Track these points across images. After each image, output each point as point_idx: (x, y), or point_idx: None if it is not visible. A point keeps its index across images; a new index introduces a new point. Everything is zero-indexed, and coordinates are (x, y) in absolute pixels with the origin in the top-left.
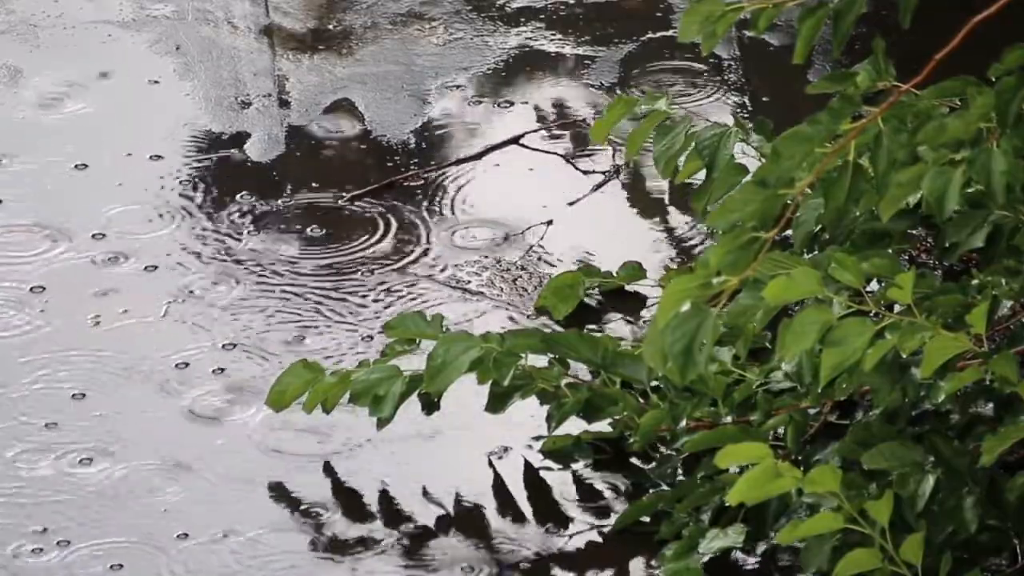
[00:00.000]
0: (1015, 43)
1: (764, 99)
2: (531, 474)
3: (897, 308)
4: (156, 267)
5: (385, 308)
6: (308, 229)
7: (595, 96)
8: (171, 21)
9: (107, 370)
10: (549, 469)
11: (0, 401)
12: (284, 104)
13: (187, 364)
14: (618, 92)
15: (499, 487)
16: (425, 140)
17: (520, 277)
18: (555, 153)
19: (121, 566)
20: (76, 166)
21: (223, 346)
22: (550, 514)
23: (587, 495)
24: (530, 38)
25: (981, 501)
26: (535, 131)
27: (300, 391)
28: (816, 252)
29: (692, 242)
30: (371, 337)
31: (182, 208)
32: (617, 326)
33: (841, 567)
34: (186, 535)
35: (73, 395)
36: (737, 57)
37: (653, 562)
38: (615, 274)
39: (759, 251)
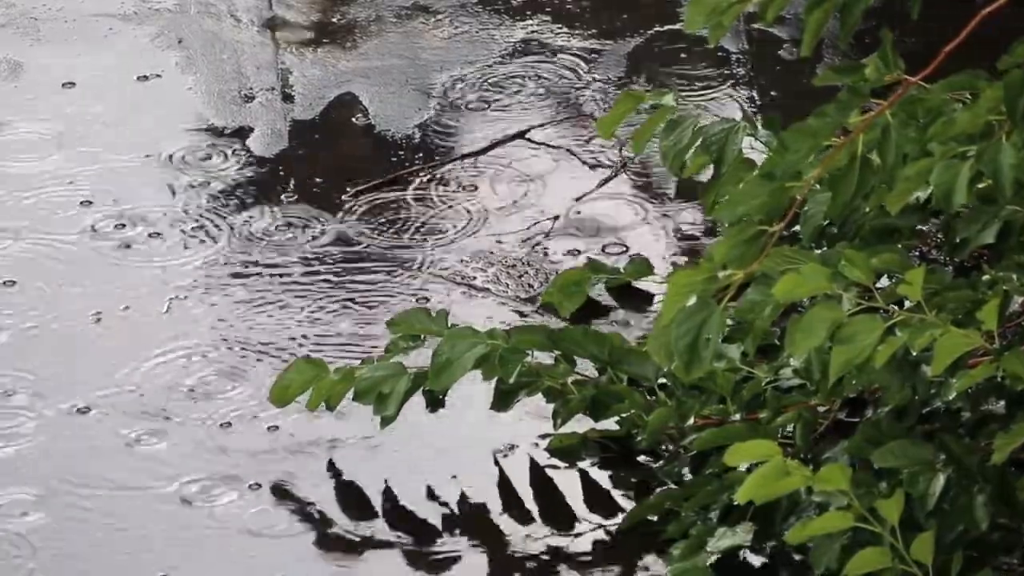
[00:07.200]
0: None
1: (772, 93)
2: (537, 473)
3: (907, 305)
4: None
5: (389, 304)
6: (311, 225)
7: (602, 90)
8: (173, 14)
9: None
10: (555, 468)
11: None
12: (287, 98)
13: (190, 359)
14: (625, 87)
15: (505, 486)
16: (430, 134)
17: (526, 273)
18: (561, 148)
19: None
20: (76, 163)
21: (220, 341)
22: (557, 513)
23: (594, 494)
24: (536, 31)
25: (992, 499)
26: (541, 125)
27: (303, 388)
28: (824, 247)
29: (700, 238)
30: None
31: (183, 205)
32: (624, 323)
33: (851, 566)
34: (188, 530)
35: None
36: (745, 51)
37: (661, 561)
38: (622, 270)
39: (765, 245)
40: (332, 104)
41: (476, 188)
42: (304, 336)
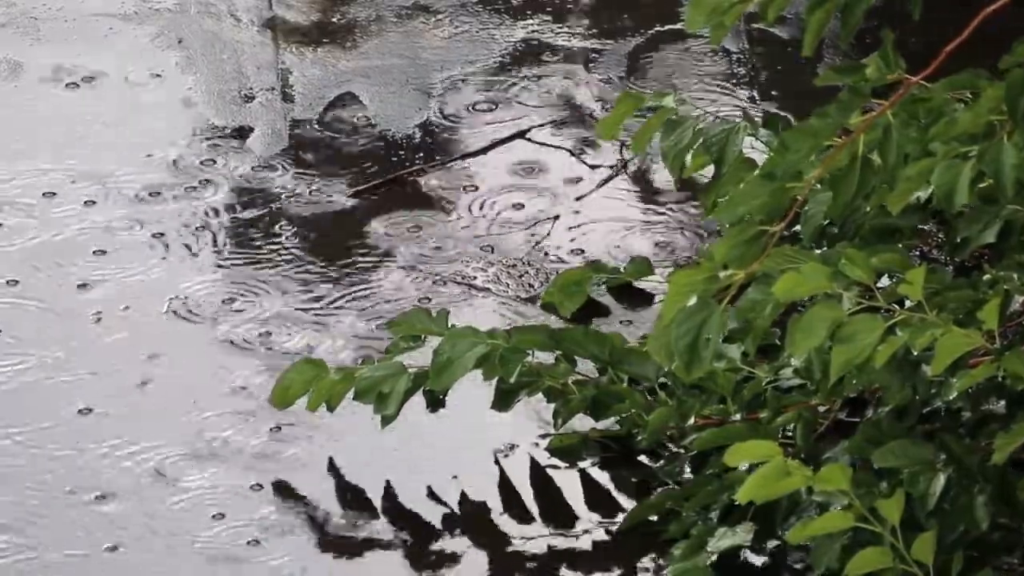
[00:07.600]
0: None
1: (772, 93)
2: (538, 472)
3: (908, 304)
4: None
5: (389, 304)
6: (311, 225)
7: (602, 90)
8: (173, 14)
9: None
10: (556, 467)
11: None
12: (287, 98)
13: (189, 358)
14: (627, 86)
15: (505, 485)
16: (430, 134)
17: (526, 273)
18: (561, 148)
19: None
20: (77, 162)
21: (221, 341)
22: (557, 513)
23: (594, 493)
24: (536, 31)
25: (992, 499)
26: (541, 125)
27: (304, 388)
28: (825, 247)
29: (700, 238)
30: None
31: (184, 205)
32: (624, 322)
33: (851, 566)
34: (189, 531)
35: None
36: (745, 51)
37: (661, 561)
38: (622, 270)
39: (766, 245)
40: (332, 104)
41: (476, 188)
42: (304, 336)
